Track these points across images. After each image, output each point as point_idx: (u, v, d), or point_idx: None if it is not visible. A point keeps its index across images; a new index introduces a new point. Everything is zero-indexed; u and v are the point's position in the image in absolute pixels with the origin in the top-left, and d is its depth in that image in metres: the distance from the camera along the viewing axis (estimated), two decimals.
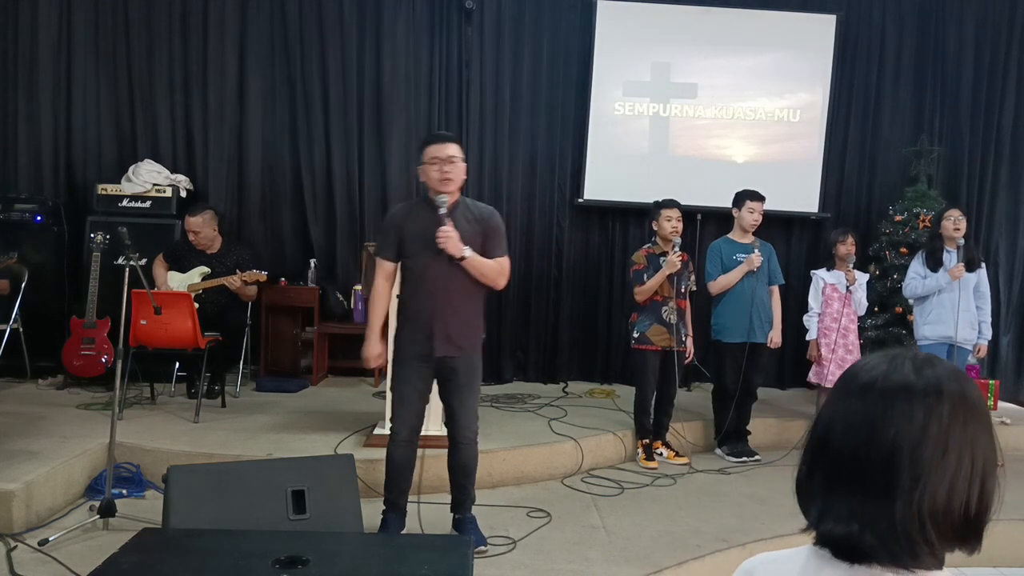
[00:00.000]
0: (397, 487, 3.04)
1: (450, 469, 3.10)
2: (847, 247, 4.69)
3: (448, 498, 3.19)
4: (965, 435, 0.88)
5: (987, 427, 0.90)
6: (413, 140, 5.89)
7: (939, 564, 0.89)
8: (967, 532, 0.89)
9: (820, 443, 0.96)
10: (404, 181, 5.91)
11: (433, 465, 3.44)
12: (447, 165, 2.90)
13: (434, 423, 3.92)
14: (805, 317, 4.79)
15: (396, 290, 3.16)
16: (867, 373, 0.94)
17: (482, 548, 2.99)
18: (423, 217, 2.96)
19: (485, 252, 2.97)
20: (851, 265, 4.66)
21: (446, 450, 3.11)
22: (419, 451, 3.10)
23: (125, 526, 3.07)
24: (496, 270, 3.00)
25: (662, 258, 4.26)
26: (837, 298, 4.68)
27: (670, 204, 4.34)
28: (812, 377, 4.75)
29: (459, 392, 3.01)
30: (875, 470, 0.88)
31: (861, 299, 4.69)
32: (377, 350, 3.04)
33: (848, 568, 0.91)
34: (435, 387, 3.13)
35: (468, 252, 2.90)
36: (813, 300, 4.76)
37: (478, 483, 3.69)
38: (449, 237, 2.84)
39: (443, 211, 2.88)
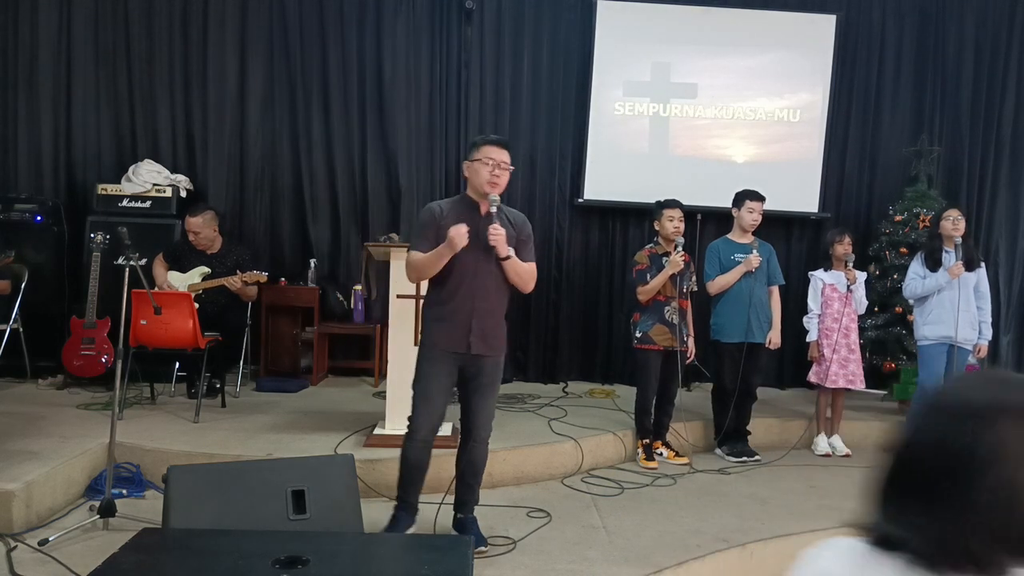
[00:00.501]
0: (412, 486, 3.03)
1: (460, 468, 3.10)
2: (844, 247, 4.69)
3: (447, 498, 3.18)
4: None
5: None
6: (413, 140, 5.90)
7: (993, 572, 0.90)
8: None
9: (900, 448, 1.00)
10: (404, 180, 5.92)
11: (434, 465, 3.44)
12: (498, 169, 2.94)
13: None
14: (805, 319, 4.79)
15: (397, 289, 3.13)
16: (958, 391, 0.98)
17: (482, 548, 2.99)
18: (464, 216, 2.96)
19: (517, 255, 3.02)
20: (849, 264, 4.66)
21: (451, 450, 3.11)
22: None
23: (125, 526, 3.07)
24: (529, 273, 3.07)
25: (664, 258, 4.26)
26: (837, 298, 4.68)
27: (672, 204, 4.34)
28: (812, 377, 4.75)
29: (481, 391, 3.02)
30: (938, 481, 0.92)
31: (861, 298, 4.69)
32: (462, 227, 2.80)
33: (895, 566, 0.94)
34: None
35: (512, 252, 2.95)
36: (812, 301, 4.76)
37: None
38: (500, 234, 2.87)
39: (494, 209, 2.91)
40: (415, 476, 3.03)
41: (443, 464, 3.37)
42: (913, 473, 0.96)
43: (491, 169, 2.92)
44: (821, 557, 1.04)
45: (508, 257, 2.92)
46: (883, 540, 0.97)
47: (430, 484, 3.23)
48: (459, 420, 3.14)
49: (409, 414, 3.02)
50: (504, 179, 2.97)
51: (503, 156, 2.96)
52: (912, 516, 0.94)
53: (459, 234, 2.79)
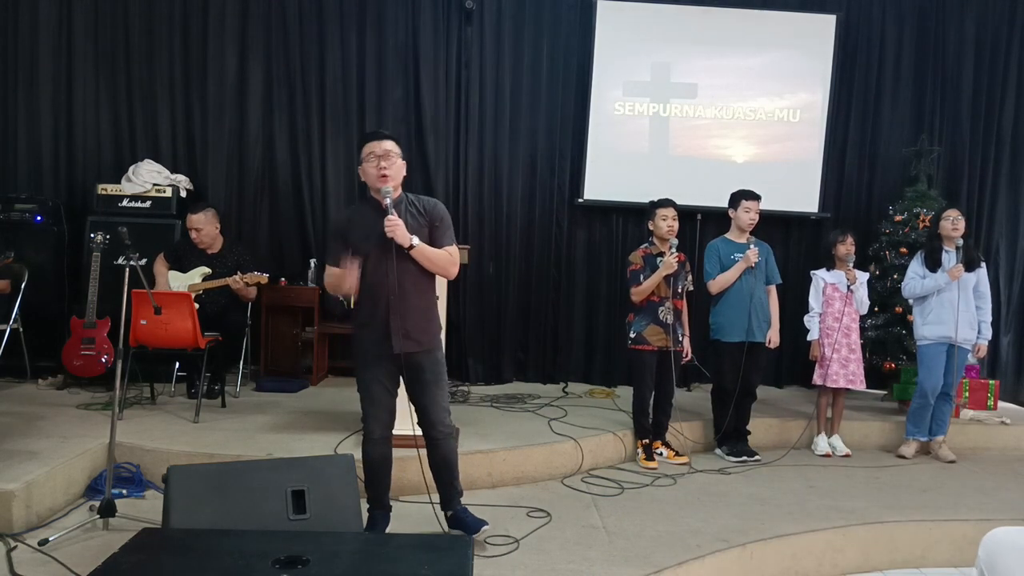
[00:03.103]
0: (379, 484, 3.06)
1: (432, 468, 3.10)
2: (847, 247, 4.69)
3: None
4: None
5: None
6: (413, 140, 5.89)
7: None
8: None
9: None
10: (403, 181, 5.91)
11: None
12: (384, 160, 2.90)
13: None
14: (806, 318, 4.79)
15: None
16: None
17: (485, 528, 3.02)
18: (366, 216, 2.95)
19: (433, 243, 2.98)
20: (851, 265, 4.67)
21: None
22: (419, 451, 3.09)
23: (125, 526, 3.07)
24: (446, 259, 3.00)
25: (659, 258, 4.26)
26: (838, 298, 4.68)
27: (665, 203, 4.34)
28: (817, 379, 4.74)
29: (426, 389, 3.00)
30: None
31: (863, 298, 4.70)
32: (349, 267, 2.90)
33: None
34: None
35: (416, 241, 2.90)
36: (814, 300, 4.76)
37: (478, 483, 3.70)
38: (397, 225, 2.84)
39: (388, 201, 2.87)
40: (381, 473, 3.05)
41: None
42: None
43: (376, 163, 2.89)
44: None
45: (412, 247, 2.88)
46: None
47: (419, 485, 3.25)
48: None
49: (361, 419, 3.04)
50: (395, 168, 2.92)
51: (384, 146, 2.92)
52: None
53: (351, 275, 2.85)
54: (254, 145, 5.86)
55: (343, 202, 5.89)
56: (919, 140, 5.88)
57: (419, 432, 3.07)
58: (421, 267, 2.94)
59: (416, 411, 3.06)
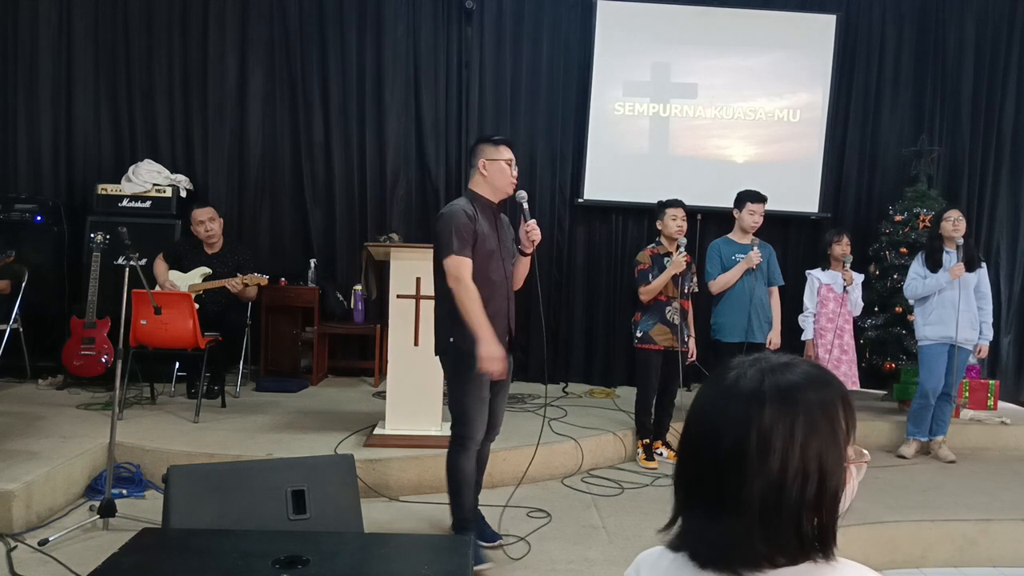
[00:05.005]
0: (470, 498, 2.97)
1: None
2: (842, 247, 4.69)
3: (445, 497, 3.19)
4: (793, 440, 0.86)
5: (824, 431, 0.88)
6: (413, 140, 5.89)
7: (790, 562, 0.88)
8: (810, 536, 0.88)
9: (683, 441, 0.96)
10: (404, 181, 5.92)
11: (434, 465, 3.44)
12: (514, 170, 2.98)
13: (434, 423, 3.92)
14: (800, 317, 4.79)
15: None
16: (722, 376, 0.94)
17: (500, 541, 3.03)
18: (487, 219, 2.95)
19: None
20: (847, 265, 4.66)
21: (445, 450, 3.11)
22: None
23: (125, 526, 3.07)
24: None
25: (666, 258, 4.26)
26: (832, 298, 4.68)
27: (675, 203, 4.34)
28: None
29: (503, 391, 3.05)
30: (709, 476, 0.89)
31: (857, 299, 4.70)
32: (501, 350, 2.76)
33: (695, 570, 0.92)
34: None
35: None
36: (808, 300, 4.77)
37: None
38: (537, 230, 2.94)
39: (527, 206, 2.99)
40: (472, 486, 2.96)
41: (429, 464, 3.36)
42: (692, 468, 0.93)
43: (510, 171, 2.95)
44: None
45: (531, 253, 3.00)
46: (674, 544, 0.96)
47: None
48: None
49: (456, 424, 2.91)
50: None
51: (512, 155, 3.01)
52: (695, 522, 0.91)
53: (492, 361, 2.71)
54: (254, 145, 5.86)
55: (344, 201, 5.89)
56: (919, 140, 5.88)
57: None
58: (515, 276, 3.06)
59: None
